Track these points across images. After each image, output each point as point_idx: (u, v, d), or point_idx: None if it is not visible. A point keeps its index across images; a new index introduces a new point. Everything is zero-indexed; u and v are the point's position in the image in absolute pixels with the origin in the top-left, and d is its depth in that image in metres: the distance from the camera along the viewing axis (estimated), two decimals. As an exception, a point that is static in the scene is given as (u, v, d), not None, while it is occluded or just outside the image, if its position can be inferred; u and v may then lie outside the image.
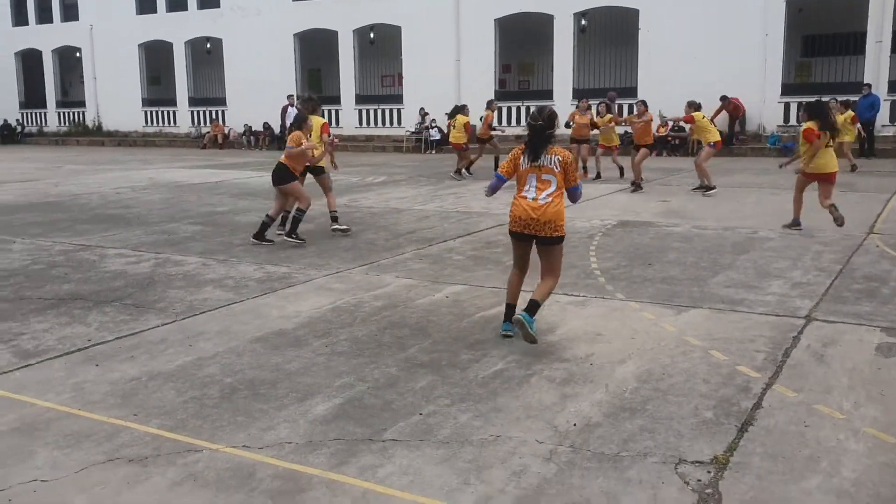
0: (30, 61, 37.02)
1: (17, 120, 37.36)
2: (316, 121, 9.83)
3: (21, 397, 4.59)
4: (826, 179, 9.35)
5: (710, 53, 21.96)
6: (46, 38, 35.80)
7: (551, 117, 5.44)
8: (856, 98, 19.18)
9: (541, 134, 5.41)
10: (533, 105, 24.69)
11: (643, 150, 14.24)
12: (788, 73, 22.78)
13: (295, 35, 29.87)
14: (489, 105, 17.65)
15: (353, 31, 28.76)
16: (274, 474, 3.61)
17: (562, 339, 5.56)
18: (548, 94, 25.62)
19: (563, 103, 24.71)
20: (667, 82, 21.44)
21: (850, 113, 16.29)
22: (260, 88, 29.77)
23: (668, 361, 5.06)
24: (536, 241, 5.53)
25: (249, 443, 3.94)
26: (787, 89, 22.32)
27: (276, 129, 27.54)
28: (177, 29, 32.25)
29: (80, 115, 36.12)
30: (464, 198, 13.73)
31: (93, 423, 4.22)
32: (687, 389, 4.58)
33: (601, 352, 5.28)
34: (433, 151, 25.64)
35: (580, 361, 5.10)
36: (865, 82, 20.16)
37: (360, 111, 29.44)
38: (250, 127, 30.19)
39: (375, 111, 29.07)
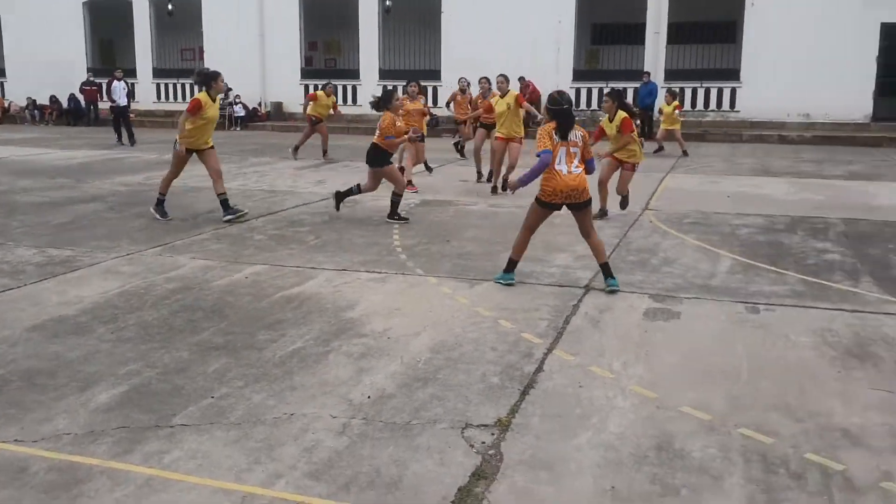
0: None
1: None
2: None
3: None
4: (633, 168, 9.53)
5: (507, 37, 22.75)
6: None
7: (570, 99, 6.40)
8: (637, 84, 20.72)
9: (570, 115, 6.25)
10: (340, 84, 24.63)
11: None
12: (579, 59, 24.13)
13: (84, 4, 27.77)
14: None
15: (150, 1, 27.18)
16: (49, 467, 3.42)
17: (361, 315, 5.64)
18: (354, 74, 25.59)
19: (368, 84, 24.83)
20: (468, 65, 22.02)
21: (676, 103, 17.63)
22: (45, 60, 27.40)
23: (460, 332, 5.28)
24: (573, 208, 6.30)
25: (22, 436, 3.70)
26: (578, 75, 23.64)
27: (106, 104, 24.59)
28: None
29: None
30: (268, 176, 13.47)
31: None
32: (476, 357, 4.82)
33: (398, 325, 5.42)
34: (237, 128, 24.86)
35: (378, 336, 5.21)
36: (645, 70, 21.77)
37: (157, 85, 27.96)
38: (34, 100, 27.75)
39: (175, 85, 27.70)
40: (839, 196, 11.40)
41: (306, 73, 26.17)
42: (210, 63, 26.54)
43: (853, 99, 20.63)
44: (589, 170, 6.36)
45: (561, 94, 6.39)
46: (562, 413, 4.06)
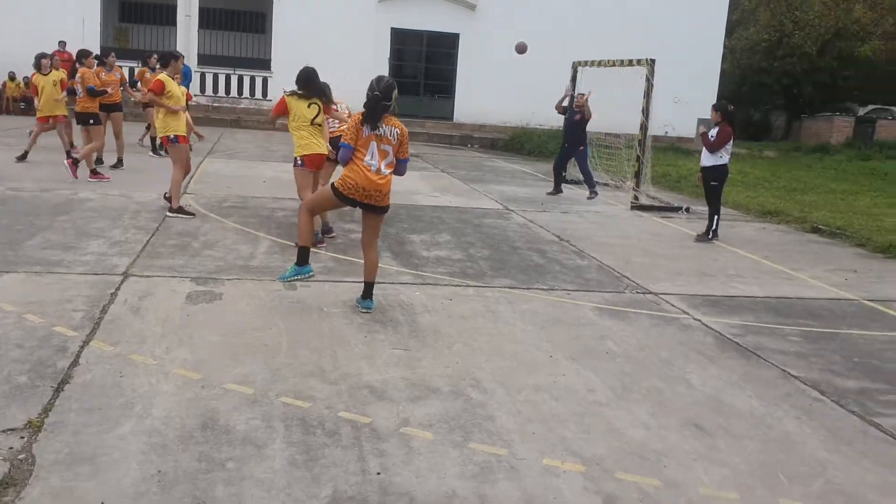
0: None
1: None
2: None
3: None
4: None
5: (24, 6, 20.49)
6: None
7: (388, 89, 5.49)
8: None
9: (377, 104, 5.46)
10: None
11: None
12: (107, 35, 22.67)
13: None
14: (76, 56, 12.44)
15: None
16: None
17: None
18: None
19: None
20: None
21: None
22: None
23: (-24, 331, 4.69)
24: (368, 209, 5.62)
25: None
26: (107, 52, 22.14)
27: None
28: None
29: None
30: None
31: None
32: (-3, 357, 4.33)
33: None
34: None
35: None
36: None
37: None
38: None
39: None
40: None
41: None
42: None
43: (362, 95, 22.73)
44: (399, 171, 5.69)
45: (379, 79, 5.56)
46: (102, 405, 3.88)
